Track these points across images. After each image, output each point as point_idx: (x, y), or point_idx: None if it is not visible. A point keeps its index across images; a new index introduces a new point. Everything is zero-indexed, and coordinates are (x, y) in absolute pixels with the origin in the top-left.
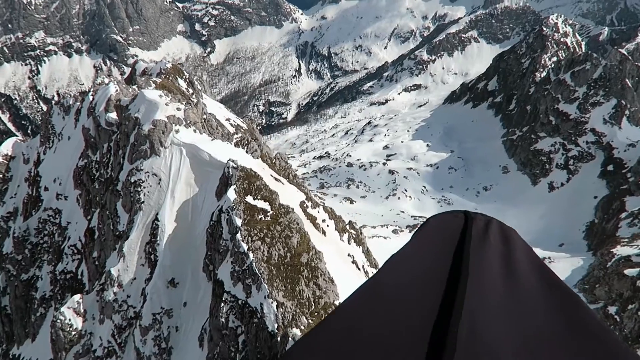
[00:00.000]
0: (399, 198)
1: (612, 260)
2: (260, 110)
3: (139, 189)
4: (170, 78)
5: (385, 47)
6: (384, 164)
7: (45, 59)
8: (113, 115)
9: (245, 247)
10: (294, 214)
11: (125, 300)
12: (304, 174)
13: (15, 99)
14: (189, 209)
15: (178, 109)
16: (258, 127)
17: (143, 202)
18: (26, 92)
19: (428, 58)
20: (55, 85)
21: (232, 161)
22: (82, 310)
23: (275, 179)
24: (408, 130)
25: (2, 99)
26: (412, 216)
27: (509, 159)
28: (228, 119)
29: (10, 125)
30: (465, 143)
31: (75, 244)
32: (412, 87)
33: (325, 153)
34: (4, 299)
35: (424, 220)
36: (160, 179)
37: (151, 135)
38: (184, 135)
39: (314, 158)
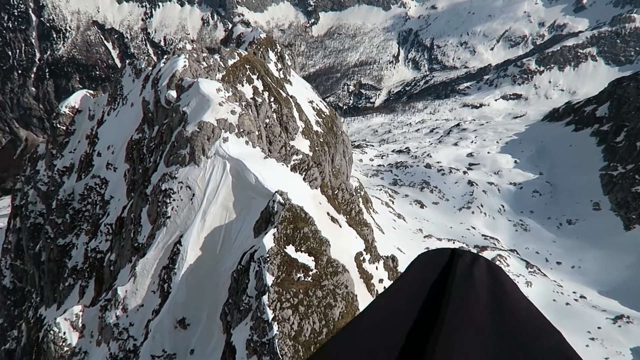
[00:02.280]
0: (472, 212)
1: None
2: (350, 90)
3: (168, 201)
4: (262, 50)
5: (492, 49)
6: (464, 172)
7: (159, 3)
8: (173, 93)
9: (270, 314)
10: (343, 274)
11: (127, 328)
12: (379, 165)
13: (127, 37)
14: (220, 238)
15: (233, 111)
16: (344, 107)
17: (169, 217)
18: (137, 33)
19: (535, 68)
20: (164, 31)
21: (281, 194)
22: (80, 325)
23: (332, 218)
24: (497, 142)
25: (115, 36)
26: (482, 235)
27: (604, 195)
28: (311, 102)
29: (117, 61)
30: (557, 168)
31: (111, 224)
32: (512, 96)
33: (406, 148)
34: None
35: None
36: (193, 194)
37: (194, 139)
38: (232, 146)
39: (392, 151)
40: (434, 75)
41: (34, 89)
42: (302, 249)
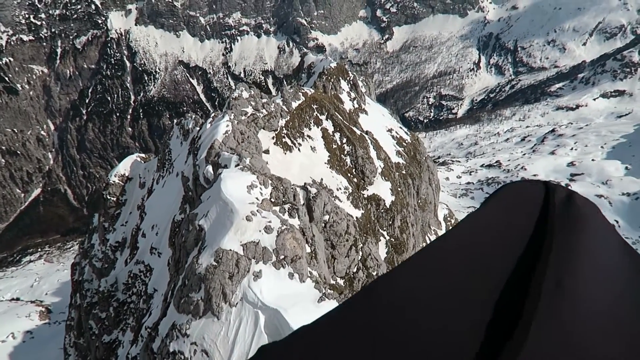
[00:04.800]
0: None
1: None
2: (430, 103)
3: None
4: (332, 80)
5: (584, 44)
6: (566, 185)
7: (238, 38)
8: (211, 170)
9: None
10: None
11: None
12: (468, 183)
13: (209, 73)
14: None
15: (268, 228)
16: (424, 121)
17: None
18: (218, 68)
19: (639, 60)
20: (243, 63)
21: None
22: None
23: None
24: (602, 147)
25: (199, 72)
26: None
27: None
28: (390, 130)
29: (202, 96)
30: None
31: (152, 327)
32: (613, 94)
33: (496, 162)
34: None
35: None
36: None
37: (209, 278)
38: (267, 286)
39: (481, 166)
40: (520, 79)
41: (130, 129)
42: None
